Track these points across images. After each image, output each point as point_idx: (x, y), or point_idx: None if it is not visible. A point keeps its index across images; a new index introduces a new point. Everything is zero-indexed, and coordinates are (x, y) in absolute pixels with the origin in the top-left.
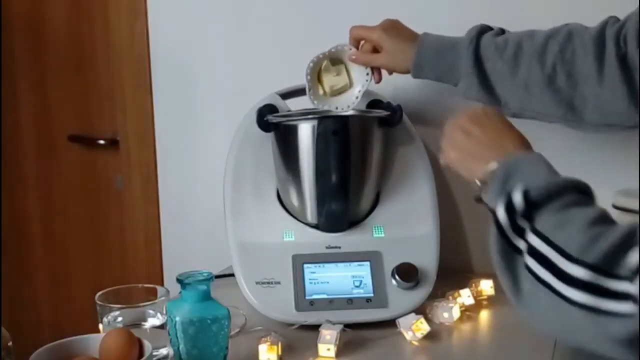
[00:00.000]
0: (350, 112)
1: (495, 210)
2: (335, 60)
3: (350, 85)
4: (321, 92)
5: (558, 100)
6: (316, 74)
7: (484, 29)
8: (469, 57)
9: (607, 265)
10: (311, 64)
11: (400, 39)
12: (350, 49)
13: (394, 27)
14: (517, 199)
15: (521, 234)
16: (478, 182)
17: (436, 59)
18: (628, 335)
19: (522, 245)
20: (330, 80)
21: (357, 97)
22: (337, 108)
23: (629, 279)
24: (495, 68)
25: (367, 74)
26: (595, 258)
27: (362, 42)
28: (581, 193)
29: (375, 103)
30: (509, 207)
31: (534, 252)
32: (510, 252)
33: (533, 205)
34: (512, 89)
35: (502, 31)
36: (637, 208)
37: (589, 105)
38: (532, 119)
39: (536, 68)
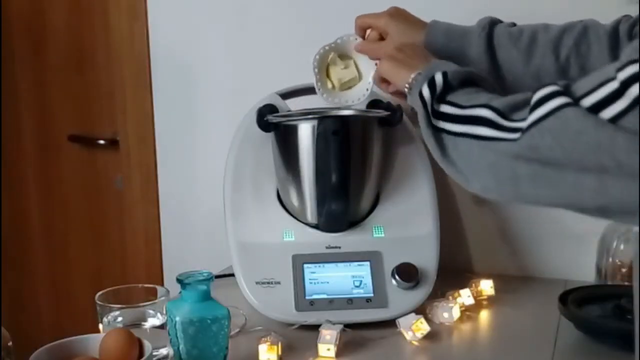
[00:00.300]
0: (350, 112)
1: (420, 92)
2: (342, 54)
3: (359, 78)
4: (330, 86)
5: None
6: (324, 67)
7: (495, 20)
8: (481, 44)
9: (507, 111)
10: (317, 57)
11: (407, 24)
12: (357, 39)
13: (400, 14)
14: (438, 78)
15: (441, 104)
16: (407, 87)
17: (445, 45)
18: (513, 152)
19: (443, 114)
20: (338, 73)
21: (367, 90)
22: (347, 101)
23: (522, 120)
24: (510, 56)
25: (376, 64)
26: (499, 104)
27: (368, 31)
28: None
29: (375, 103)
30: (431, 85)
31: (451, 117)
32: (433, 123)
33: (450, 86)
34: (523, 77)
35: (513, 24)
36: None
37: None
38: None
39: (550, 59)
